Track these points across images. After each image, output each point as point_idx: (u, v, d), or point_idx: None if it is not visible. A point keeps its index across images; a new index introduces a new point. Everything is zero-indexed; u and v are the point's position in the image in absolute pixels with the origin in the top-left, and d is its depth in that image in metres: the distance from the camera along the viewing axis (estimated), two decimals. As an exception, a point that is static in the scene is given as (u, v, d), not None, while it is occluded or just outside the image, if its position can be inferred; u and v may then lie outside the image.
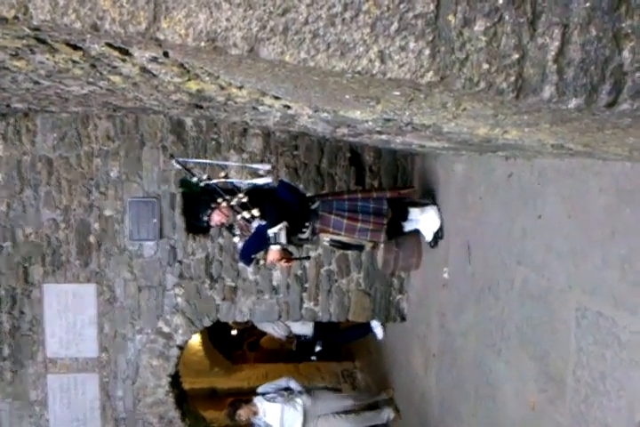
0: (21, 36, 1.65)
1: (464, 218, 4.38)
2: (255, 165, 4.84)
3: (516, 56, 1.26)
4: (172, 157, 4.79)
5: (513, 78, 1.28)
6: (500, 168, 3.65)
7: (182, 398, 6.50)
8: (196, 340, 9.17)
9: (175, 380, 6.26)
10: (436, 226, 4.86)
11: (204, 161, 5.29)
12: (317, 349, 7.02)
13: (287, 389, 5.92)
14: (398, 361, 6.46)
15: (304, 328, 6.84)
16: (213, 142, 5.64)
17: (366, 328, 6.95)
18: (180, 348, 6.04)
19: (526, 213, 3.28)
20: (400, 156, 5.85)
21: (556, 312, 2.97)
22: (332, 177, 5.79)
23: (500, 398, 3.70)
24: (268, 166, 4.73)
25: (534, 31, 1.25)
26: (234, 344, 10.89)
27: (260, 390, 6.06)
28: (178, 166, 4.35)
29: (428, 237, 5.02)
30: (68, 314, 5.89)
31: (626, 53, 1.26)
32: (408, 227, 4.95)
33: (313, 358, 7.03)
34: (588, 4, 1.23)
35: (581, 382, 2.75)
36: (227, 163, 5.48)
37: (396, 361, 6.58)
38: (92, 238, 5.72)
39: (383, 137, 3.39)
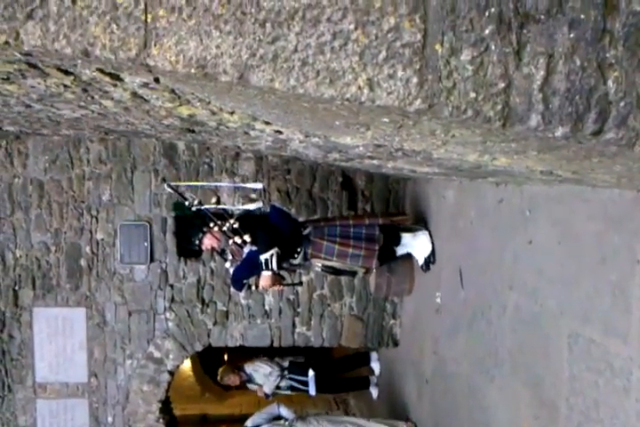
0: (12, 61, 1.66)
1: (456, 243, 4.38)
2: (248, 185, 4.84)
3: (503, 85, 1.28)
4: (164, 181, 4.80)
5: (499, 107, 1.29)
6: (491, 194, 3.66)
7: (173, 424, 6.41)
8: (186, 365, 9.06)
9: (166, 406, 6.18)
10: (427, 251, 4.86)
11: (196, 184, 5.29)
12: (312, 392, 6.50)
13: (279, 417, 5.62)
14: (392, 387, 6.39)
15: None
16: (206, 166, 5.65)
17: (364, 360, 6.84)
18: (171, 373, 5.97)
19: (517, 238, 3.29)
20: (392, 180, 5.88)
21: (549, 338, 2.95)
22: (324, 201, 5.80)
23: (494, 425, 3.65)
24: (259, 185, 4.74)
25: (520, 61, 1.27)
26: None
27: (249, 423, 5.36)
28: (170, 190, 4.36)
29: (421, 261, 5.01)
30: (58, 338, 5.82)
31: (610, 83, 1.28)
32: (400, 251, 4.95)
33: (312, 392, 6.49)
34: (572, 35, 1.25)
35: (575, 409, 2.72)
36: (218, 184, 5.48)
37: (389, 387, 6.51)
38: (82, 262, 5.69)
39: (374, 162, 3.41)
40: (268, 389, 6.36)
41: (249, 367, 6.43)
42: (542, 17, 1.25)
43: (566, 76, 1.27)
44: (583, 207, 2.63)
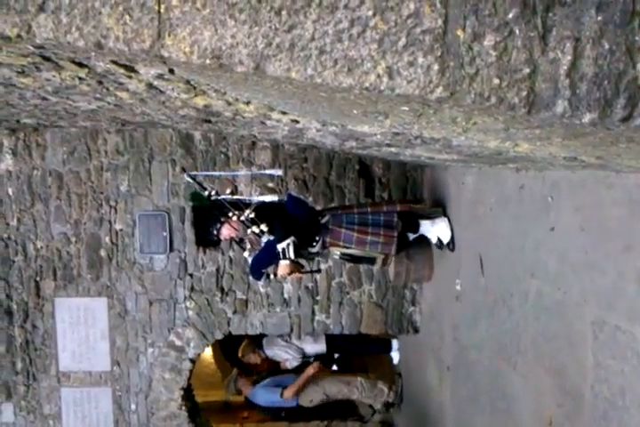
0: (26, 54, 1.64)
1: (476, 230, 4.33)
2: (267, 171, 4.82)
3: (527, 70, 1.24)
4: (183, 170, 4.79)
5: (524, 93, 1.25)
6: (511, 180, 3.61)
7: (195, 411, 6.46)
8: (207, 353, 9.12)
9: (188, 393, 6.23)
10: (446, 238, 4.81)
11: (216, 173, 5.28)
12: (335, 356, 6.92)
13: None
14: (412, 374, 6.39)
15: (316, 347, 6.70)
16: (222, 156, 5.63)
17: (385, 347, 6.90)
18: (192, 361, 6.01)
19: (539, 225, 3.24)
20: (410, 167, 5.82)
21: (572, 326, 2.91)
22: (341, 189, 5.77)
23: (516, 413, 3.63)
24: (279, 171, 4.71)
25: (545, 45, 1.22)
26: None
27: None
28: (189, 180, 4.35)
29: (434, 239, 4.95)
30: (80, 328, 5.89)
31: (640, 67, 1.23)
32: (412, 236, 4.90)
33: (335, 367, 6.88)
34: (600, 18, 1.20)
35: (599, 397, 2.69)
36: (238, 173, 5.47)
37: (409, 374, 6.51)
38: (102, 252, 5.73)
39: (392, 150, 3.37)
40: (290, 366, 6.67)
41: (268, 350, 6.55)
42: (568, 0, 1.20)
43: (594, 61, 1.23)
44: (607, 193, 2.58)
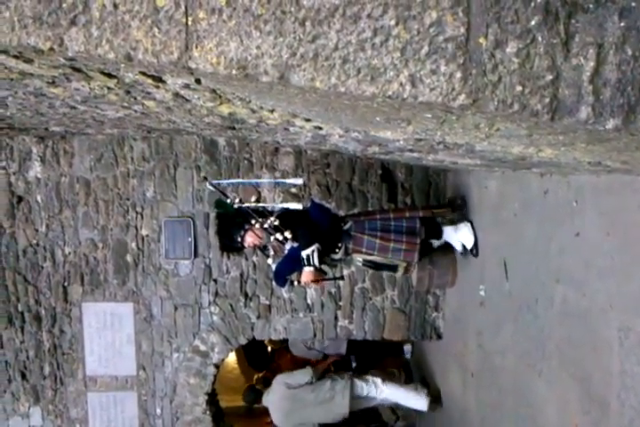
0: (57, 66, 1.69)
1: (499, 235, 4.31)
2: (288, 180, 4.85)
3: (550, 77, 1.24)
4: (205, 179, 4.82)
5: (547, 100, 1.26)
6: (535, 185, 3.59)
7: (219, 416, 6.50)
8: (231, 358, 9.16)
9: (212, 398, 6.27)
10: (470, 243, 4.79)
11: (238, 181, 5.32)
12: (353, 365, 7.05)
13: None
14: (436, 379, 6.35)
15: (337, 351, 6.90)
16: (246, 162, 5.68)
17: (397, 351, 7.06)
18: (217, 366, 6.06)
19: (563, 230, 3.21)
20: (432, 172, 5.81)
21: (598, 332, 2.88)
22: (363, 194, 5.77)
23: (541, 420, 3.60)
24: (300, 181, 4.74)
25: (568, 52, 1.23)
26: (269, 358, 10.93)
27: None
28: (211, 188, 4.38)
29: (458, 247, 4.93)
30: (107, 332, 5.96)
31: (664, 72, 1.23)
32: (437, 243, 4.88)
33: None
34: (622, 24, 1.21)
35: (626, 405, 2.65)
36: (259, 181, 5.51)
37: (433, 379, 6.48)
38: (128, 258, 5.80)
39: (415, 155, 3.37)
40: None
41: (293, 349, 6.78)
42: (591, 6, 1.21)
43: (617, 67, 1.23)
44: (633, 197, 2.55)
